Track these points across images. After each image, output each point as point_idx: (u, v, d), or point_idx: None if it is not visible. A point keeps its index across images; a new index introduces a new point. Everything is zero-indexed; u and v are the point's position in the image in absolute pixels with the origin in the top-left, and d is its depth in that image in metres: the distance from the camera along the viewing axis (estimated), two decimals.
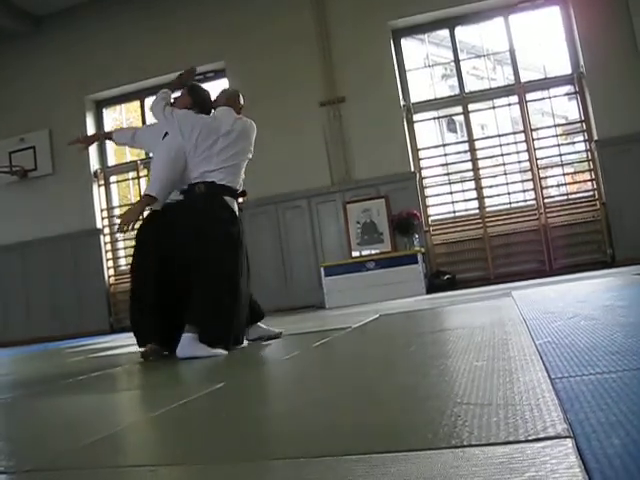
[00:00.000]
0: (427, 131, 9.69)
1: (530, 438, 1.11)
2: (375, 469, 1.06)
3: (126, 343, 6.10)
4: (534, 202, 8.51)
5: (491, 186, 8.92)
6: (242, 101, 4.13)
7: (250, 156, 3.99)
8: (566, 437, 1.08)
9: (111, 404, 2.46)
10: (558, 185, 9.08)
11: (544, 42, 9.19)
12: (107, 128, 10.46)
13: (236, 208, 3.85)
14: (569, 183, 9.18)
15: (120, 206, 10.47)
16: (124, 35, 9.83)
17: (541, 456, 1.01)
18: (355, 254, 8.55)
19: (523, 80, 8.88)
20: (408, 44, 9.48)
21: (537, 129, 8.86)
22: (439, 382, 1.81)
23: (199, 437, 1.53)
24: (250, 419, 1.70)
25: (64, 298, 9.86)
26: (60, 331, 9.48)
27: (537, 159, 8.54)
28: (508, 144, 8.90)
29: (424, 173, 8.97)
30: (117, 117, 10.81)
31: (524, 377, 1.66)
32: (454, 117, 10.62)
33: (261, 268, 8.96)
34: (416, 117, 9.09)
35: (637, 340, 2.03)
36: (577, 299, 3.95)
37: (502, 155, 8.80)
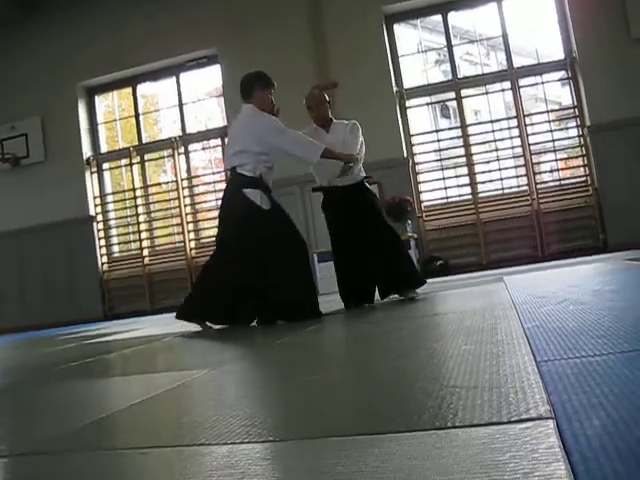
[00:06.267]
0: (420, 117, 9.68)
1: (513, 419, 1.13)
2: (360, 450, 1.07)
3: (119, 330, 6.12)
4: (527, 188, 8.53)
5: (484, 172, 8.92)
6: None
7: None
8: (548, 418, 1.10)
9: (102, 389, 2.47)
10: (551, 171, 9.08)
11: (537, 27, 9.17)
12: (99, 115, 10.45)
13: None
14: (562, 169, 9.19)
15: (113, 193, 10.45)
16: (117, 21, 9.75)
17: (522, 437, 1.02)
18: None
19: (516, 65, 8.86)
20: (401, 30, 9.44)
21: (530, 115, 8.85)
22: (427, 365, 1.82)
23: (190, 420, 1.54)
24: (237, 401, 1.71)
25: (58, 285, 9.85)
26: (54, 318, 9.48)
27: (530, 145, 8.54)
28: (501, 130, 8.90)
29: (417, 159, 8.96)
30: (109, 104, 10.75)
31: (510, 360, 1.67)
32: (447, 103, 10.61)
33: None
34: (409, 103, 9.07)
35: (623, 324, 2.05)
36: (568, 284, 3.97)
37: (495, 141, 8.80)
